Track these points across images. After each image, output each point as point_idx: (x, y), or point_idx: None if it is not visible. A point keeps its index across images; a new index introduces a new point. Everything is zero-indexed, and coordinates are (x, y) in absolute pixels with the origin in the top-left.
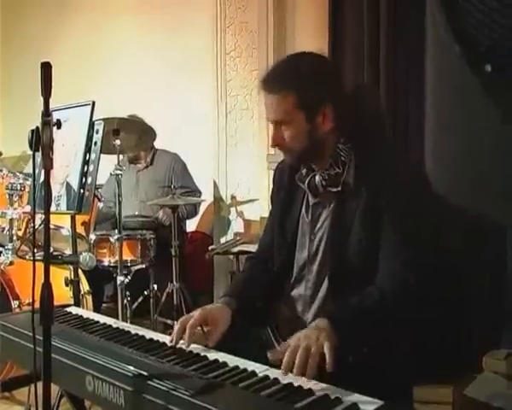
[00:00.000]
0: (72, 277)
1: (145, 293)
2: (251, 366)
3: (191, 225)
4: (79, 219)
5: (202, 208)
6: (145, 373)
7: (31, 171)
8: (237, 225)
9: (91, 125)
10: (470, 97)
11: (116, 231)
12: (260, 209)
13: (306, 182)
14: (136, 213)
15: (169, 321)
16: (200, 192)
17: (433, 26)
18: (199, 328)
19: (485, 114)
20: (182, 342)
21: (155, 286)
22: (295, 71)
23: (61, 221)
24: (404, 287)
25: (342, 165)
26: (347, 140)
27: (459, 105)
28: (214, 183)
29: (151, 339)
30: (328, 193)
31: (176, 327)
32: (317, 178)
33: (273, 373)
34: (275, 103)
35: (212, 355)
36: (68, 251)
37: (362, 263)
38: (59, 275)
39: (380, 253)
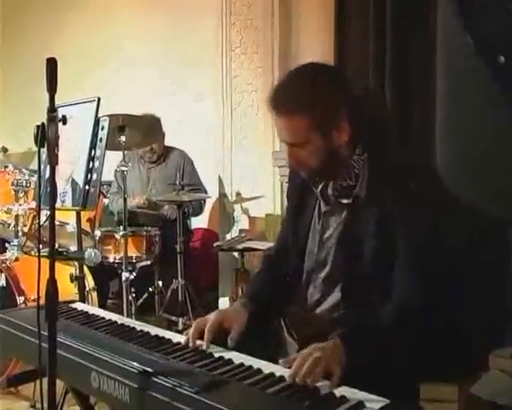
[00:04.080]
0: (78, 273)
1: (150, 289)
2: (257, 363)
3: (197, 222)
4: (85, 215)
5: (208, 205)
6: (150, 370)
7: (36, 167)
8: (242, 222)
9: (97, 121)
10: (474, 94)
11: (121, 227)
12: (265, 206)
13: (319, 189)
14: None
15: (174, 318)
16: (207, 191)
17: (443, 19)
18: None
19: (488, 110)
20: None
21: (160, 283)
22: (305, 90)
23: (67, 217)
24: (421, 303)
25: (355, 177)
26: (362, 151)
27: (462, 102)
28: (219, 179)
29: (156, 336)
30: (339, 203)
31: (191, 330)
32: (330, 189)
33: (279, 371)
34: (287, 127)
35: (218, 352)
36: (73, 247)
37: (374, 274)
38: (64, 271)
39: (394, 267)
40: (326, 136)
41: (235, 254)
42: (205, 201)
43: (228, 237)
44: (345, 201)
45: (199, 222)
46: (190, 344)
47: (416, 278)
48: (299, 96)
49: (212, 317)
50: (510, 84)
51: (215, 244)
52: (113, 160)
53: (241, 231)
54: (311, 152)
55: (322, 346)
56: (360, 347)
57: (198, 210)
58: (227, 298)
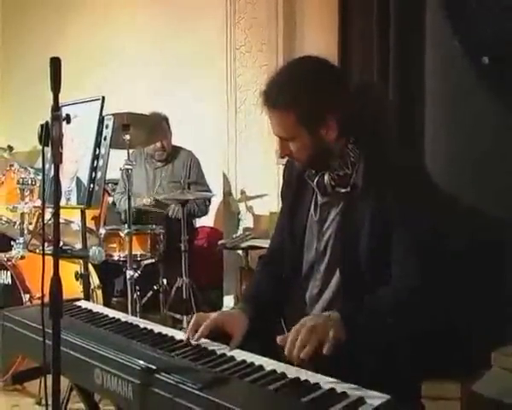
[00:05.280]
0: (82, 271)
1: (155, 287)
2: (258, 360)
3: (201, 221)
4: (89, 213)
5: (212, 204)
6: (153, 367)
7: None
8: (247, 221)
9: (101, 120)
10: (470, 95)
11: (126, 225)
12: (270, 204)
13: (315, 181)
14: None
15: (178, 316)
16: (211, 191)
17: (433, 22)
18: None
19: (485, 110)
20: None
21: (165, 281)
22: (293, 87)
23: (72, 216)
24: (418, 290)
25: (351, 165)
26: (356, 141)
27: (459, 102)
28: (224, 177)
29: (160, 333)
30: (336, 193)
31: (191, 322)
32: (326, 177)
33: (280, 367)
34: (275, 120)
35: (220, 349)
36: (78, 245)
37: (373, 264)
38: (69, 269)
39: (392, 255)
40: (312, 132)
41: (240, 252)
42: (210, 201)
43: (233, 235)
44: (343, 190)
45: (204, 220)
46: (185, 337)
47: (416, 278)
48: (285, 92)
49: (214, 316)
50: (495, 84)
51: (219, 242)
52: (118, 158)
53: (245, 229)
54: (298, 147)
55: (314, 317)
56: (358, 322)
57: (203, 210)
58: (231, 296)
